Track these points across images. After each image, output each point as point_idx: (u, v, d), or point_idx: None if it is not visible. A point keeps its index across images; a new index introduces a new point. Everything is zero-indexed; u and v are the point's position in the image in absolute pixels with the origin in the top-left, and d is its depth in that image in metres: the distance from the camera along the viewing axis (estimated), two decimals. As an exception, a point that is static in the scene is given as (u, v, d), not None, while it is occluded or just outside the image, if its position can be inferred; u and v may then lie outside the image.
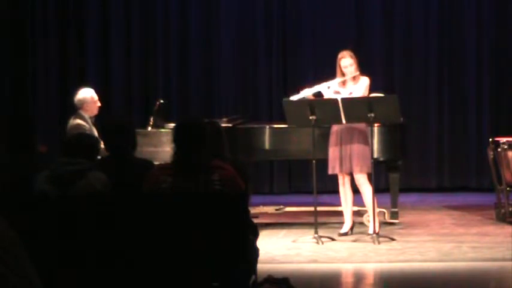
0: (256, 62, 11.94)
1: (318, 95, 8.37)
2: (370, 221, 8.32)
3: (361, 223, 8.65)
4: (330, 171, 8.35)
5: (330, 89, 8.34)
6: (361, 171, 8.24)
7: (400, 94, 9.49)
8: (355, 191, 8.46)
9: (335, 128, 8.30)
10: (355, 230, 8.50)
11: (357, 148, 8.21)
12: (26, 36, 11.88)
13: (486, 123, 11.68)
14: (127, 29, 11.95)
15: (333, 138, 8.32)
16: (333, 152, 8.30)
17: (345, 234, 8.34)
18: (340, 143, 8.26)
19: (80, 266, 4.41)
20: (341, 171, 8.30)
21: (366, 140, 8.26)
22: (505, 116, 11.58)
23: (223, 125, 7.95)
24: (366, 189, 8.28)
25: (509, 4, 11.70)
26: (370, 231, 8.26)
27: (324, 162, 8.54)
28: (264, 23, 11.92)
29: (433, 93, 11.82)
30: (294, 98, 8.35)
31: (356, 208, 8.68)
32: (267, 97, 11.87)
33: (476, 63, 11.74)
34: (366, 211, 8.62)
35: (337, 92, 8.33)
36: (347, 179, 8.34)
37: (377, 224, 8.22)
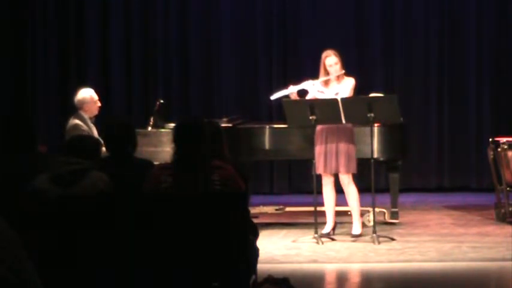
0: (256, 62, 11.94)
1: (303, 92, 8.35)
2: (354, 221, 8.33)
3: (350, 223, 8.59)
4: (316, 171, 8.31)
5: (314, 88, 8.29)
6: (347, 172, 8.21)
7: (400, 94, 9.49)
8: (339, 191, 8.43)
9: (319, 127, 8.24)
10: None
11: (343, 148, 8.16)
12: (26, 36, 11.88)
13: (486, 123, 11.69)
14: (127, 29, 11.95)
15: (318, 138, 8.24)
16: (318, 152, 8.26)
17: (327, 234, 8.32)
18: (325, 142, 8.22)
19: (80, 266, 4.41)
20: (325, 171, 8.26)
21: (352, 139, 8.23)
22: (505, 116, 11.58)
23: (223, 125, 7.96)
24: (351, 190, 8.26)
25: (510, 4, 11.71)
26: (354, 231, 8.27)
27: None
28: (264, 23, 11.92)
29: (433, 93, 11.82)
30: (280, 93, 8.34)
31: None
32: (267, 97, 11.84)
33: (476, 63, 11.74)
34: (367, 211, 8.62)
35: (321, 92, 8.29)
36: (330, 180, 8.31)
37: (359, 226, 8.29)
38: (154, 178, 4.50)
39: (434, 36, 11.78)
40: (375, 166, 8.38)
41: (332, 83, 8.30)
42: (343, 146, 8.16)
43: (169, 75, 11.95)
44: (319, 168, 8.24)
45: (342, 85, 8.27)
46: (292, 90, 8.26)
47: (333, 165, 8.19)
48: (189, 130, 4.60)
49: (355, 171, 8.25)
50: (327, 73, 8.26)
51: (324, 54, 8.29)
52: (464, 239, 8.19)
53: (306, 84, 8.30)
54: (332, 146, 8.18)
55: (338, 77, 8.27)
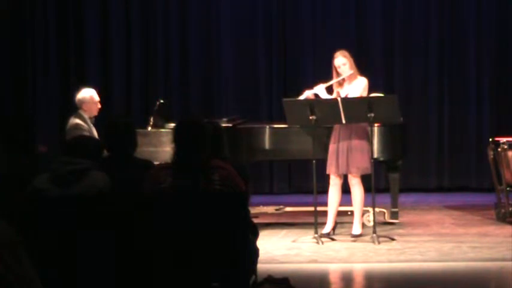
0: (256, 62, 11.94)
1: (317, 96, 8.36)
2: (355, 221, 8.33)
3: (350, 223, 8.58)
4: (327, 171, 8.32)
5: (324, 91, 8.28)
6: (355, 173, 8.21)
7: (400, 94, 9.49)
8: (346, 191, 8.43)
9: (336, 125, 8.25)
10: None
11: (355, 147, 8.16)
12: (26, 36, 11.88)
13: (486, 123, 11.69)
14: (127, 29, 11.95)
15: (333, 136, 8.29)
16: (331, 151, 8.27)
17: (327, 234, 8.32)
18: (338, 141, 8.23)
19: (80, 266, 4.41)
20: (336, 172, 8.27)
21: (366, 138, 8.22)
22: (505, 116, 11.58)
23: (223, 125, 7.95)
24: (357, 191, 8.25)
25: (510, 4, 11.70)
26: (354, 231, 8.27)
27: (324, 162, 8.53)
28: (264, 23, 11.93)
29: (433, 93, 11.82)
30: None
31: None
32: (267, 97, 11.87)
33: (477, 63, 11.74)
34: (367, 211, 8.62)
35: (338, 94, 8.31)
36: (338, 180, 8.31)
37: (359, 226, 8.29)
38: (154, 178, 4.50)
39: (434, 36, 11.78)
40: (375, 166, 8.39)
41: (345, 83, 8.32)
42: (355, 146, 8.15)
43: (169, 75, 11.95)
44: (331, 168, 8.25)
45: (352, 85, 8.28)
46: (307, 95, 8.27)
47: (344, 165, 8.19)
48: (189, 130, 4.59)
49: (367, 172, 8.17)
50: (338, 74, 8.28)
51: (334, 56, 8.31)
52: (464, 239, 8.19)
53: (318, 89, 8.29)
54: (344, 145, 8.18)
55: (349, 77, 8.28)
